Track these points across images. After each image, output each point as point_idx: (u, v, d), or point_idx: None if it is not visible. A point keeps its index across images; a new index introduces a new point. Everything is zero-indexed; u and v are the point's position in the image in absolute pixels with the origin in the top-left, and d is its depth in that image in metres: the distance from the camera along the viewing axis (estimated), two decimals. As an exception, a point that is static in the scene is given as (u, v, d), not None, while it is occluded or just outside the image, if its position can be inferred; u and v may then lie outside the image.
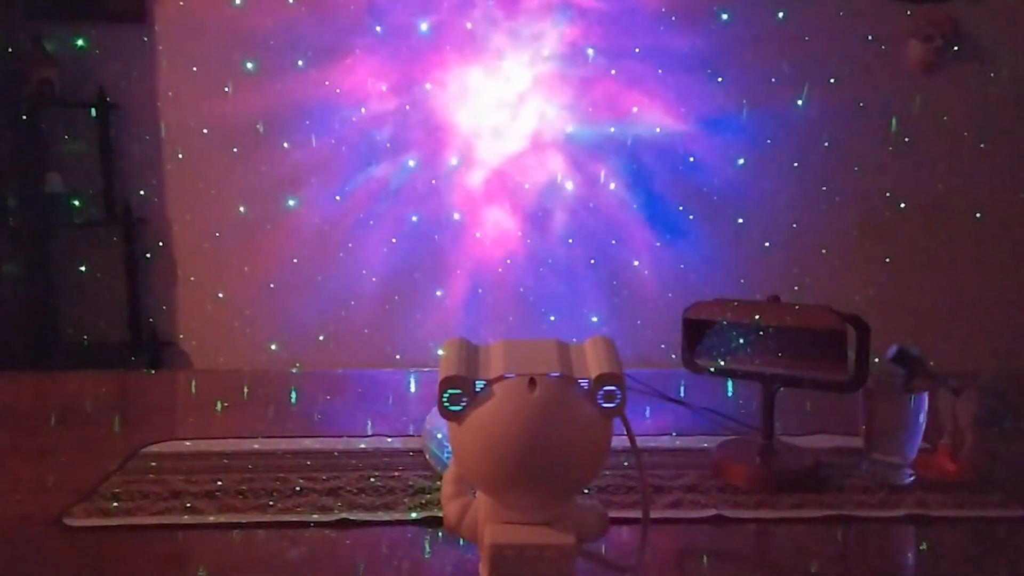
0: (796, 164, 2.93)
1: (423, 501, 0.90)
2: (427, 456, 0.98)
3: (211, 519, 0.85)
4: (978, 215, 2.96)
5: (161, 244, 2.95)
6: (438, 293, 2.95)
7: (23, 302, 2.78)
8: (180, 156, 2.92)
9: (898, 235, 2.97)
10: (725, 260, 2.89)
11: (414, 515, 0.87)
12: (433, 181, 2.94)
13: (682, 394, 1.29)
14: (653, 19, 2.89)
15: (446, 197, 2.95)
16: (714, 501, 0.91)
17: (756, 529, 0.87)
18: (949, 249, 2.97)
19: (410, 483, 0.95)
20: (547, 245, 2.98)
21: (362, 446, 1.07)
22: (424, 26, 2.88)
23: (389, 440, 1.09)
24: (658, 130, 2.94)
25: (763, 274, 2.82)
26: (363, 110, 2.89)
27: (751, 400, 1.05)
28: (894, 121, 2.93)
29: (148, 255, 2.94)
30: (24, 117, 2.78)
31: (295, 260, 2.89)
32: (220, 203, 2.89)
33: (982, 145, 2.93)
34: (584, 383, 0.55)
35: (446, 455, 0.91)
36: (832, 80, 2.90)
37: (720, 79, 2.90)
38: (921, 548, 0.85)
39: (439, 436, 0.94)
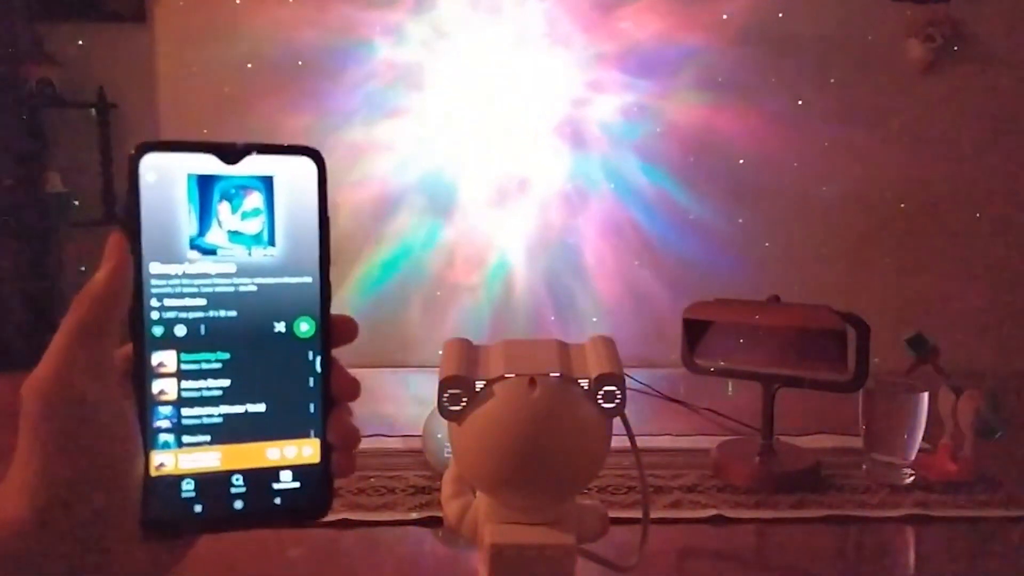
0: (796, 164, 2.93)
1: (423, 501, 0.90)
2: (427, 456, 0.98)
3: (211, 519, 0.85)
4: (978, 215, 2.96)
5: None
6: (438, 293, 2.95)
7: (23, 302, 2.78)
8: (180, 156, 2.91)
9: (898, 235, 2.97)
10: (725, 260, 2.89)
11: (414, 515, 0.87)
12: (434, 181, 2.94)
13: (682, 394, 1.29)
14: (653, 19, 2.89)
15: (446, 196, 2.95)
16: (714, 501, 0.91)
17: (756, 529, 0.87)
18: (949, 249, 2.97)
19: (410, 483, 0.95)
20: (547, 245, 2.98)
21: (362, 446, 1.07)
22: (424, 26, 2.88)
23: (389, 440, 1.09)
24: (658, 130, 2.94)
25: (763, 274, 2.82)
26: (363, 109, 2.89)
27: (751, 400, 1.05)
28: (894, 121, 2.93)
29: (148, 255, 2.94)
30: (24, 117, 2.78)
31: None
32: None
33: (982, 145, 2.93)
34: (584, 383, 0.55)
35: (446, 455, 0.91)
36: (832, 80, 2.90)
37: (720, 79, 2.90)
38: (921, 548, 0.85)
39: (439, 436, 0.94)
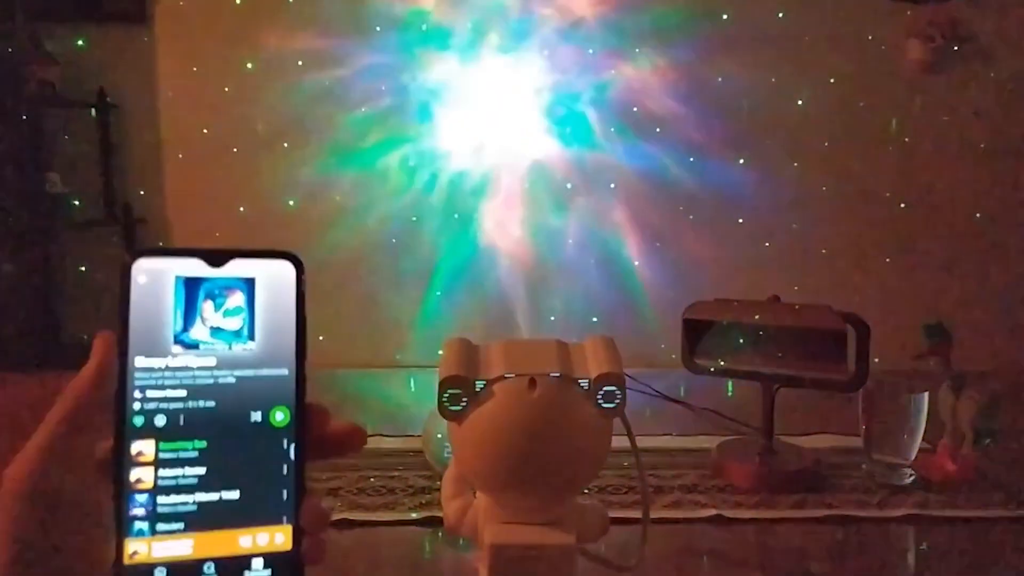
0: (796, 164, 2.93)
1: (423, 501, 0.90)
2: (427, 456, 0.98)
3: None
4: (978, 215, 2.96)
5: (161, 244, 2.95)
6: (438, 293, 2.95)
7: (23, 302, 2.78)
8: (180, 156, 2.92)
9: (898, 235, 2.96)
10: (725, 260, 2.89)
11: (414, 515, 0.87)
12: (434, 181, 2.94)
13: (682, 394, 1.29)
14: (653, 19, 2.89)
15: (446, 197, 2.95)
16: (714, 501, 0.91)
17: (756, 529, 0.87)
18: (949, 249, 2.97)
19: (410, 483, 0.95)
20: (547, 245, 2.98)
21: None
22: (424, 26, 2.88)
23: (389, 440, 1.09)
24: (658, 130, 2.94)
25: (763, 274, 2.81)
26: (363, 109, 2.89)
27: (751, 400, 1.05)
28: (894, 121, 2.93)
29: (148, 255, 2.93)
30: (24, 117, 2.78)
31: (295, 260, 2.89)
32: (220, 203, 2.89)
33: (982, 145, 2.93)
34: (584, 383, 0.55)
35: (446, 455, 0.91)
36: (832, 80, 2.90)
37: (720, 79, 2.90)
38: (921, 548, 0.85)
39: (439, 436, 0.95)
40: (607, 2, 2.89)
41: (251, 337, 0.41)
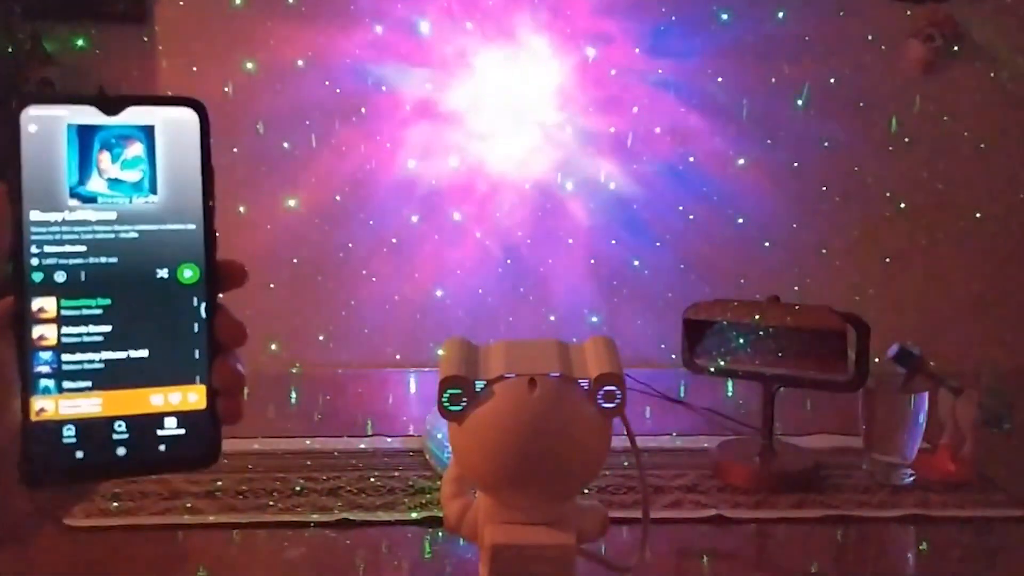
0: (796, 164, 2.93)
1: (423, 501, 0.90)
2: (427, 456, 0.98)
3: (211, 519, 0.85)
4: (978, 215, 2.96)
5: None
6: (438, 293, 2.95)
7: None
8: (180, 156, 2.91)
9: (898, 235, 2.96)
10: (725, 260, 2.89)
11: (414, 515, 0.87)
12: (434, 181, 2.94)
13: (682, 394, 1.29)
14: (652, 18, 2.89)
15: (446, 197, 2.94)
16: (714, 501, 0.91)
17: (756, 529, 0.87)
18: (949, 249, 2.97)
19: (410, 483, 0.95)
20: (547, 245, 2.98)
21: (362, 446, 1.07)
22: (424, 26, 2.88)
23: (389, 440, 1.10)
24: (657, 130, 2.94)
25: (763, 274, 2.81)
26: (363, 110, 2.89)
27: (751, 400, 1.05)
28: (894, 121, 2.93)
29: (148, 255, 2.93)
30: (24, 117, 2.78)
31: (295, 260, 2.89)
32: (220, 203, 2.85)
33: (982, 145, 2.93)
34: (584, 383, 0.55)
35: (446, 455, 0.91)
36: (832, 80, 2.90)
37: (720, 79, 2.90)
38: (921, 548, 0.85)
39: (439, 436, 0.95)
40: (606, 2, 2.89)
41: (153, 190, 0.39)
